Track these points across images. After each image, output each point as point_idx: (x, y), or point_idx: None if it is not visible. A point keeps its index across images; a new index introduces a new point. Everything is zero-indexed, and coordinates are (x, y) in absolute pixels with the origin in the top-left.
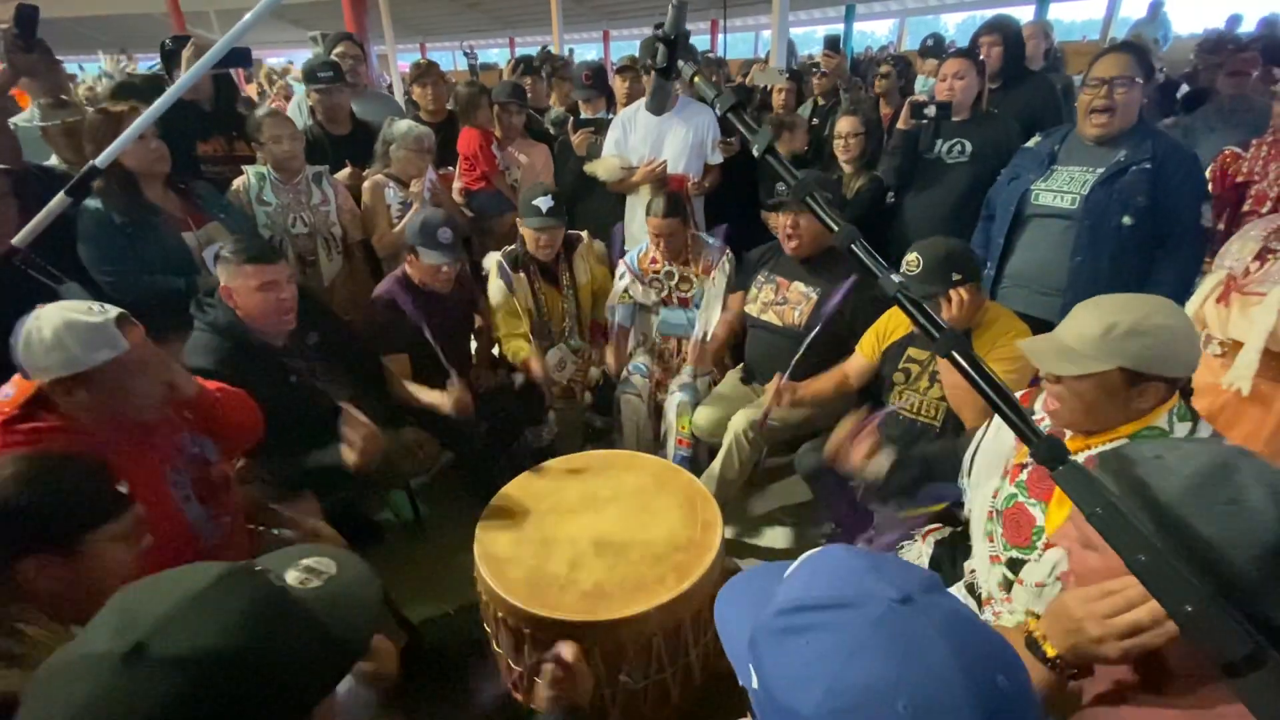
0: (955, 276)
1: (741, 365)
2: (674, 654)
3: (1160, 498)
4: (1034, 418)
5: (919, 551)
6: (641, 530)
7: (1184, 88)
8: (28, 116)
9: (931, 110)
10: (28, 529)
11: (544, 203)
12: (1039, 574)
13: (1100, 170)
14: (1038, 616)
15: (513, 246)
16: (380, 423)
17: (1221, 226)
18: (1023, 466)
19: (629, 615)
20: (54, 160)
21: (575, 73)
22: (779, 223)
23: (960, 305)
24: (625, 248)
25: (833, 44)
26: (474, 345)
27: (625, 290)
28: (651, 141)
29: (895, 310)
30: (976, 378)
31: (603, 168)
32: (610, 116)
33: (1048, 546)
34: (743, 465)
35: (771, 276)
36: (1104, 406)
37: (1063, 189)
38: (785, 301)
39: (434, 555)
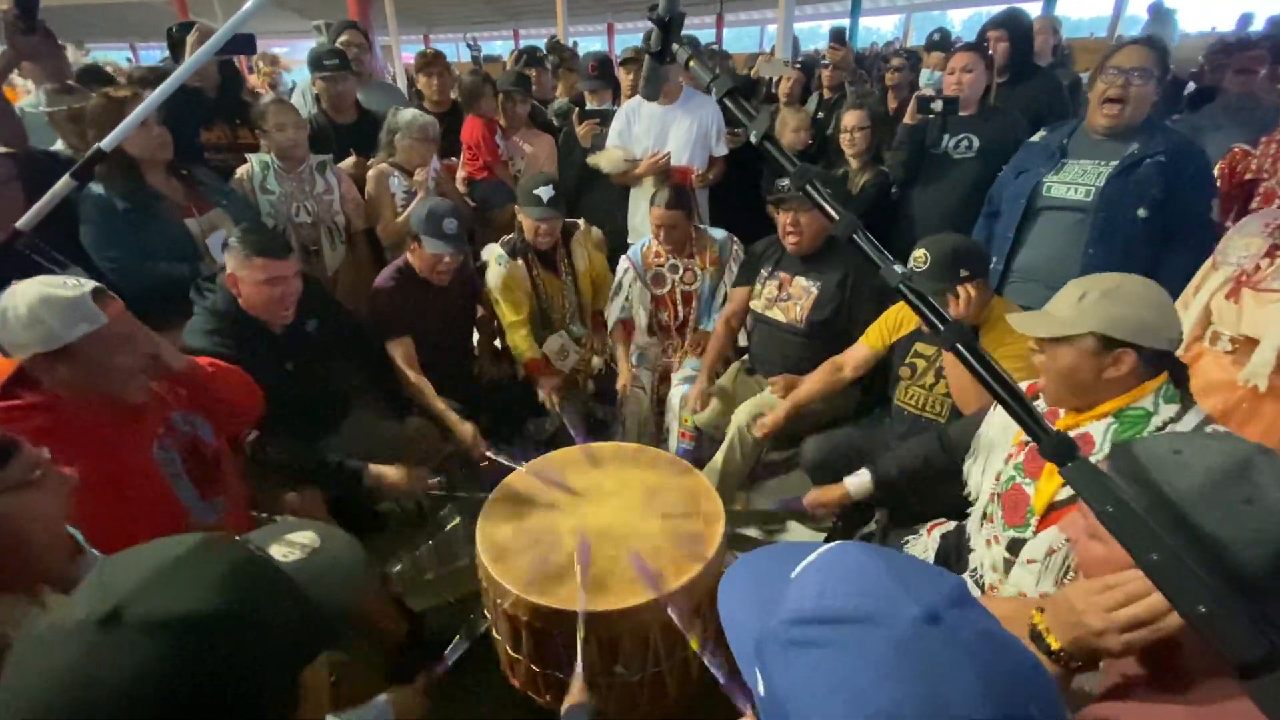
0: (963, 273)
1: (745, 358)
2: (671, 648)
3: (1175, 494)
4: (1036, 402)
5: (924, 545)
6: (643, 523)
7: (1190, 86)
8: (33, 102)
9: (938, 105)
10: None
11: (545, 192)
12: (1033, 552)
13: (1114, 163)
14: (1041, 611)
15: (511, 236)
16: (384, 412)
17: (1229, 223)
18: (1022, 445)
19: (626, 607)
20: (59, 145)
21: (581, 64)
22: (780, 220)
23: (968, 302)
24: (628, 242)
25: (838, 36)
26: (475, 337)
27: (626, 294)
28: (655, 133)
29: (902, 305)
30: (983, 372)
31: (606, 159)
32: (615, 108)
33: (1041, 524)
34: (745, 459)
35: (775, 273)
36: (1080, 375)
37: (1075, 181)
38: (789, 298)
39: (436, 561)
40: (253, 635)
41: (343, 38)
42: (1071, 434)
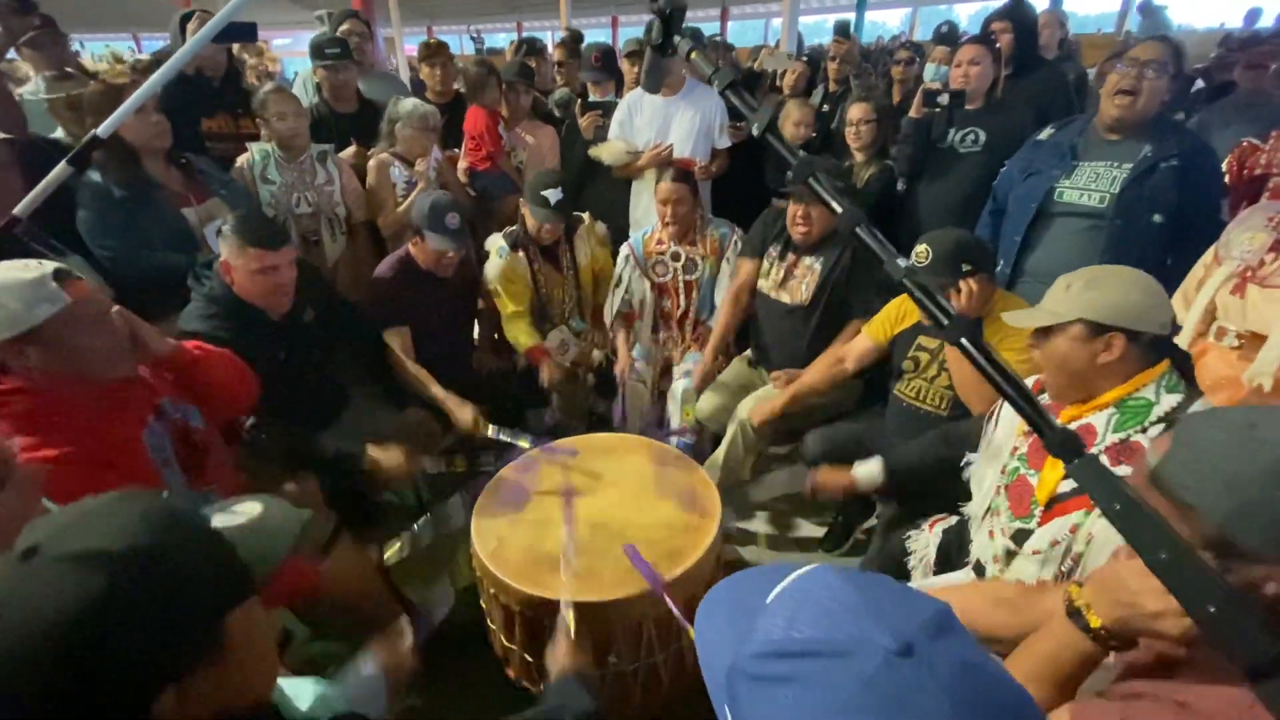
0: (965, 268)
1: (748, 350)
2: (665, 639)
3: (1244, 470)
4: (1041, 395)
5: (926, 540)
6: (639, 514)
7: (1199, 83)
8: (33, 89)
9: (945, 98)
10: None
11: (552, 195)
12: (1038, 543)
13: (1128, 166)
14: (1079, 585)
15: (513, 228)
16: (382, 402)
17: None
18: (1025, 436)
19: (618, 597)
20: (59, 133)
21: (584, 55)
22: (789, 211)
23: (970, 296)
24: (630, 233)
25: (843, 29)
26: (476, 330)
27: (626, 285)
28: (658, 125)
29: (905, 297)
30: (987, 366)
31: (608, 152)
32: (618, 100)
33: (1045, 516)
34: (746, 453)
35: (785, 255)
36: (1074, 363)
37: (1089, 187)
38: (793, 277)
39: (432, 538)
40: (164, 572)
41: (344, 26)
42: (1073, 426)
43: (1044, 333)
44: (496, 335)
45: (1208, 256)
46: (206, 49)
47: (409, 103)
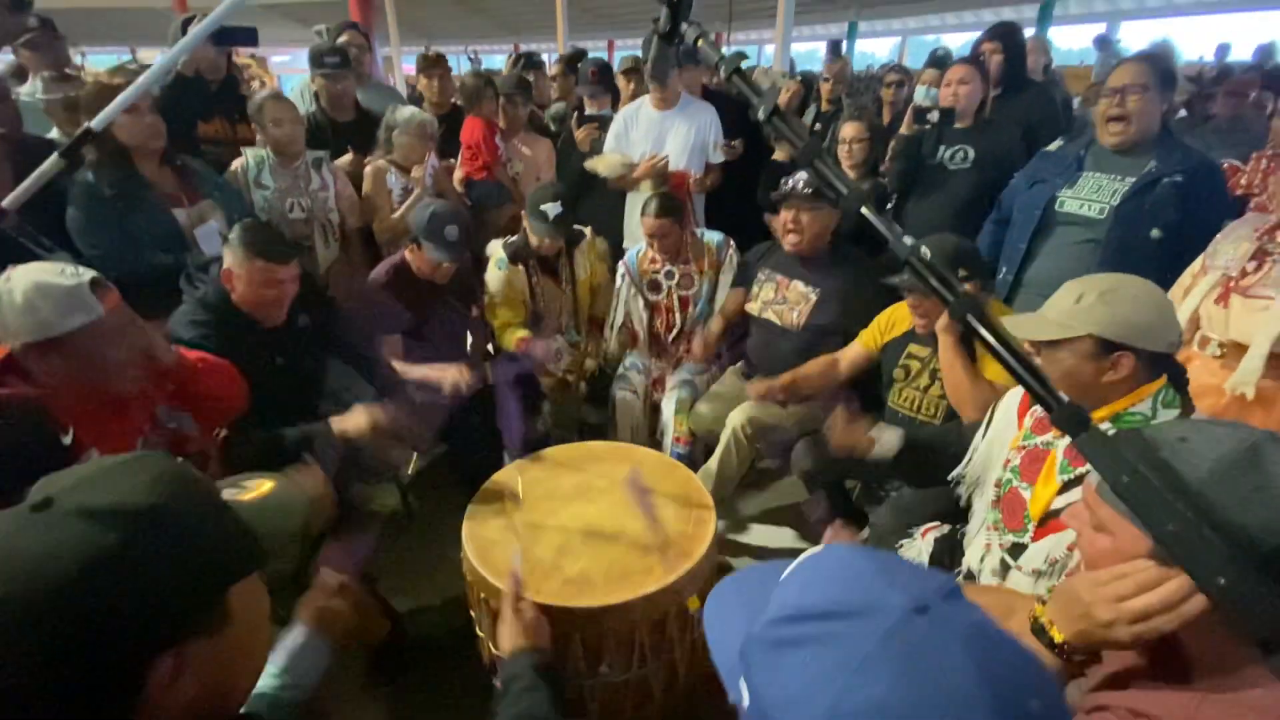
0: (961, 273)
1: (741, 362)
2: (658, 649)
3: (1184, 482)
4: (1032, 408)
5: (919, 549)
6: (632, 521)
7: (1182, 112)
8: (30, 90)
9: (935, 115)
10: None
11: (551, 209)
12: (1034, 561)
13: (1131, 180)
14: (1043, 601)
15: (514, 238)
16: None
17: None
18: (1019, 450)
19: (611, 604)
20: (55, 134)
21: (581, 70)
22: (781, 219)
23: None
24: (624, 247)
25: (835, 49)
26: (469, 340)
27: (624, 303)
28: (653, 138)
29: (897, 306)
30: (993, 342)
31: (604, 164)
32: (614, 114)
33: (1039, 531)
34: (740, 462)
35: (772, 275)
36: (1079, 378)
37: (1090, 197)
38: (784, 301)
39: (422, 547)
40: (176, 533)
41: (343, 37)
42: (1067, 440)
43: (1049, 343)
44: (490, 343)
45: (1195, 266)
46: (207, 53)
47: (407, 110)
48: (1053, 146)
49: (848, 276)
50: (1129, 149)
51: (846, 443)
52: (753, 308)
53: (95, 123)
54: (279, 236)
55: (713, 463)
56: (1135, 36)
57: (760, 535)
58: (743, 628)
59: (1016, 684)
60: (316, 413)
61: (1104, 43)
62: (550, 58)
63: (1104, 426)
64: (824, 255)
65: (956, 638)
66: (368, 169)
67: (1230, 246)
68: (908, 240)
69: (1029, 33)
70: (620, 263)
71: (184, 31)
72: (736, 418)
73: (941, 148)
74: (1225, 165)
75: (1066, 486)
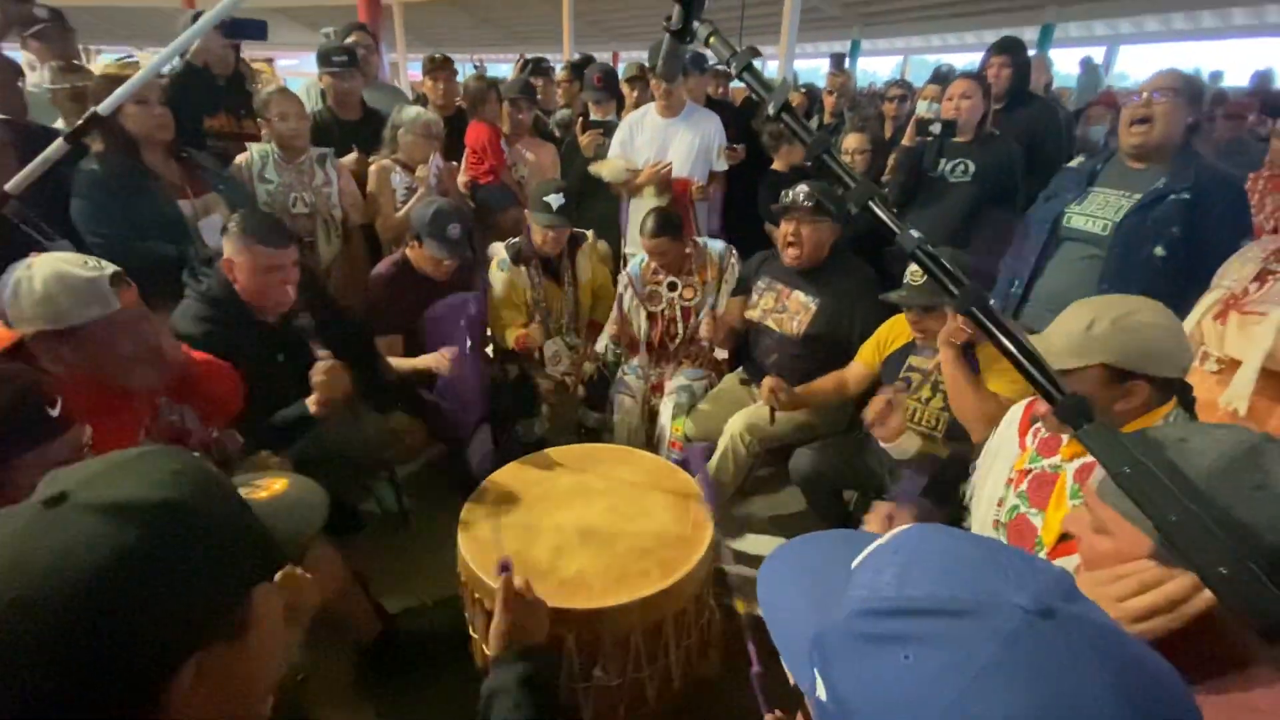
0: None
1: (741, 368)
2: (653, 653)
3: (1186, 477)
4: (1037, 425)
5: None
6: (630, 523)
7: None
8: (37, 80)
9: (937, 128)
10: None
11: (555, 200)
12: None
13: (1137, 196)
14: None
15: (516, 239)
16: (369, 406)
17: None
18: (1025, 474)
19: (607, 606)
20: (61, 124)
21: (587, 76)
22: (781, 230)
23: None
24: (625, 252)
25: (838, 62)
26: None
27: (627, 311)
28: (657, 145)
29: (897, 319)
30: (998, 334)
31: (608, 169)
32: (618, 120)
33: (1052, 554)
34: (738, 469)
35: (772, 284)
36: (1094, 406)
37: (1095, 213)
38: (784, 310)
39: (416, 547)
40: (198, 531)
41: (351, 38)
42: (1076, 463)
43: (1060, 372)
44: (489, 344)
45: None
46: (216, 46)
47: (413, 110)
48: (1074, 162)
49: (847, 286)
50: (1147, 157)
51: (875, 419)
52: (753, 315)
53: (102, 107)
54: (276, 222)
55: (710, 467)
56: (1133, 61)
57: (757, 543)
58: (812, 610)
59: (1158, 698)
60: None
61: (1087, 64)
62: (558, 67)
63: None
64: (824, 265)
65: (1087, 646)
66: (372, 167)
67: (1239, 265)
68: (914, 234)
69: (1030, 53)
70: (623, 272)
71: (194, 22)
72: (735, 424)
73: (943, 160)
74: None
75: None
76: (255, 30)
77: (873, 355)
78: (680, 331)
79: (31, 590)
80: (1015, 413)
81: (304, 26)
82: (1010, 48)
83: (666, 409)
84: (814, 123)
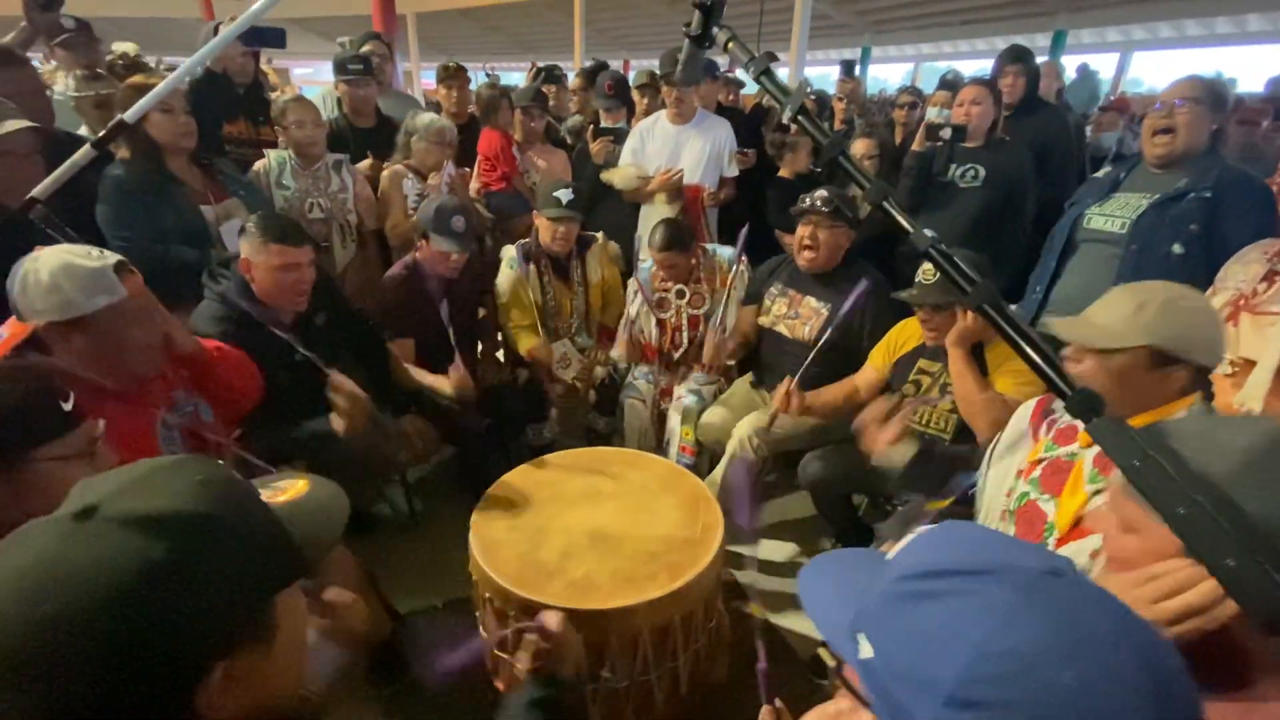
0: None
1: (751, 372)
2: (660, 656)
3: (1209, 474)
4: (1051, 416)
5: None
6: (639, 526)
7: None
8: (62, 89)
9: (947, 133)
10: None
11: (563, 194)
12: None
13: (1158, 195)
14: None
15: (527, 239)
16: (382, 409)
17: None
18: (1038, 462)
19: (614, 608)
20: (85, 131)
21: (598, 83)
22: (797, 234)
23: (974, 317)
24: (639, 257)
25: (848, 69)
26: (479, 346)
27: (636, 317)
28: (669, 152)
29: (907, 323)
30: (1009, 330)
31: (619, 176)
32: (629, 127)
33: (1059, 543)
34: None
35: (785, 290)
36: (1131, 388)
37: (1114, 214)
38: (797, 316)
39: (427, 550)
40: (225, 540)
41: (366, 46)
42: (1095, 449)
43: (1103, 350)
44: (500, 348)
45: (1209, 292)
46: (236, 54)
47: (426, 116)
48: (1101, 172)
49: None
50: (1171, 165)
51: (867, 431)
52: (764, 320)
53: (129, 114)
54: (291, 222)
55: (717, 473)
56: (1147, 67)
57: (765, 548)
58: (852, 595)
59: (1155, 643)
60: (328, 413)
61: (1083, 71)
62: (570, 74)
63: None
64: (837, 271)
65: (1094, 596)
66: (385, 172)
67: (1240, 268)
68: (928, 232)
69: (1043, 59)
70: (632, 278)
71: (215, 33)
72: (744, 428)
73: (953, 166)
74: None
75: (1096, 495)
76: (274, 38)
77: (883, 359)
78: (686, 340)
79: (65, 604)
80: (1026, 409)
81: (319, 36)
82: (1023, 56)
83: (676, 414)
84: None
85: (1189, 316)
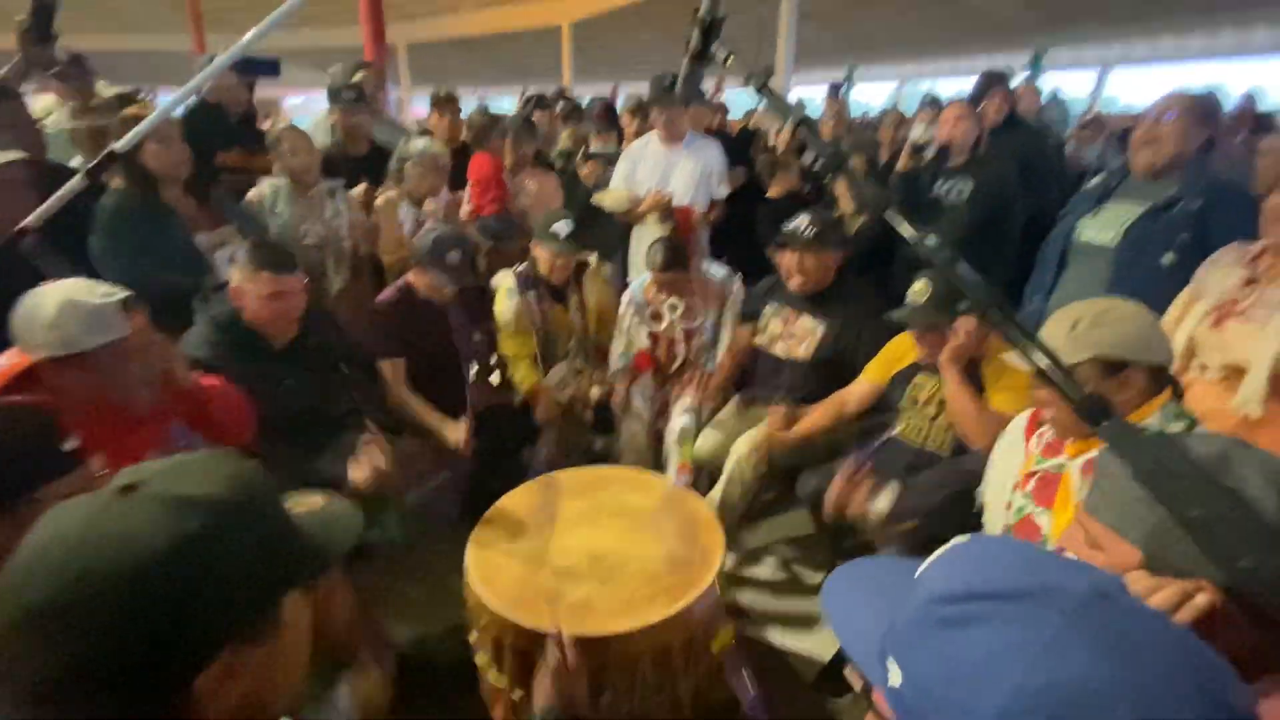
0: (962, 305)
1: (743, 391)
2: (661, 682)
3: (1220, 475)
4: (1040, 430)
5: None
6: (639, 548)
7: None
8: (55, 120)
9: (930, 151)
10: None
11: (562, 228)
12: None
13: (1148, 205)
14: None
15: (522, 266)
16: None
17: None
18: (1031, 475)
19: (613, 633)
20: (77, 163)
21: (589, 108)
22: (784, 261)
23: (967, 334)
24: (628, 279)
25: (834, 89)
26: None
27: (628, 334)
28: (660, 174)
29: (904, 337)
30: (1015, 333)
31: (610, 198)
32: (619, 150)
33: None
34: (744, 491)
35: (779, 309)
36: None
37: (1106, 225)
38: (793, 335)
39: (421, 574)
40: (251, 528)
41: (359, 75)
42: (1080, 460)
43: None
44: (495, 369)
45: (1184, 296)
46: (231, 84)
47: (420, 142)
48: (1090, 183)
49: (854, 310)
50: (1158, 175)
51: (840, 502)
52: (760, 340)
53: (120, 145)
54: (282, 250)
55: (716, 492)
56: (1124, 85)
57: (763, 568)
58: (882, 612)
59: (1215, 671)
60: (321, 439)
61: (1054, 98)
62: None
63: None
64: (831, 289)
65: (1147, 620)
66: (379, 199)
67: (1219, 274)
68: (930, 240)
69: (1023, 76)
70: (626, 292)
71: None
72: (741, 447)
73: (938, 182)
74: None
75: None
76: (268, 69)
77: (880, 372)
78: (682, 353)
79: (98, 564)
80: (1020, 420)
81: (310, 67)
82: (1003, 78)
83: (673, 431)
84: (810, 151)
85: (1121, 322)
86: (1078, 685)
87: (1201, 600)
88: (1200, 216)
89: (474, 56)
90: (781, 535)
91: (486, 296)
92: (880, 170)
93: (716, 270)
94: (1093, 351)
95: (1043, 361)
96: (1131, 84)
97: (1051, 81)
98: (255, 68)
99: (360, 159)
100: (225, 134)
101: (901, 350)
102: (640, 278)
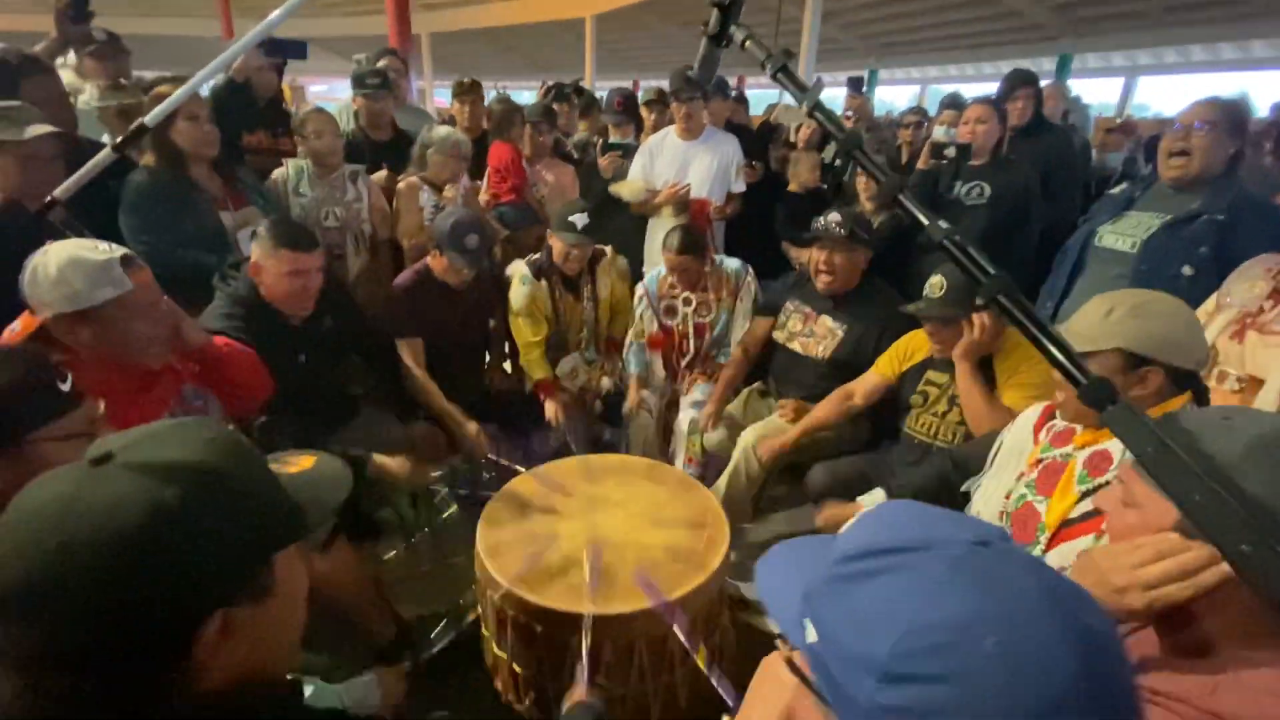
0: (979, 301)
1: (758, 383)
2: (657, 668)
3: (1218, 455)
4: (1051, 422)
5: None
6: (644, 535)
7: None
8: (87, 98)
9: (952, 151)
10: None
11: (579, 220)
12: None
13: (1171, 216)
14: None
15: (537, 255)
16: (390, 413)
17: None
18: (1037, 463)
19: (612, 614)
20: (107, 140)
21: (607, 99)
22: (812, 258)
23: (982, 330)
24: (643, 271)
25: (856, 85)
26: (487, 356)
27: (642, 325)
28: (677, 167)
29: (916, 333)
30: (1024, 320)
31: (627, 189)
32: (637, 143)
33: (1050, 542)
34: (750, 482)
35: (800, 307)
36: None
37: (1126, 232)
38: (811, 334)
39: (432, 554)
40: (231, 492)
41: (383, 62)
42: (1088, 450)
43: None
44: (506, 366)
45: (1209, 304)
46: (259, 67)
47: (442, 130)
48: (1116, 189)
49: (875, 313)
50: (1186, 187)
51: (837, 521)
52: (779, 336)
53: (149, 118)
54: (303, 229)
55: (721, 482)
56: (1153, 92)
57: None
58: (800, 580)
59: (1077, 604)
60: (336, 416)
61: (1075, 102)
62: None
63: None
64: (854, 292)
65: (1019, 564)
66: (401, 184)
67: (1245, 285)
68: (943, 224)
69: (1048, 81)
70: (640, 285)
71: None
72: (749, 437)
73: (958, 183)
74: None
75: (1084, 497)
76: (295, 50)
77: (891, 367)
78: (694, 348)
79: (78, 537)
80: (1032, 413)
81: (334, 54)
82: (1031, 79)
83: (683, 422)
84: (830, 146)
85: (1158, 318)
86: (955, 620)
87: (1211, 576)
88: (1223, 230)
89: (497, 48)
90: (790, 529)
91: (501, 284)
92: (900, 170)
93: (730, 263)
94: (1118, 342)
95: (1050, 348)
96: (1161, 91)
97: (1076, 88)
98: (282, 48)
99: (383, 144)
100: (252, 116)
101: (913, 347)
102: (655, 270)
